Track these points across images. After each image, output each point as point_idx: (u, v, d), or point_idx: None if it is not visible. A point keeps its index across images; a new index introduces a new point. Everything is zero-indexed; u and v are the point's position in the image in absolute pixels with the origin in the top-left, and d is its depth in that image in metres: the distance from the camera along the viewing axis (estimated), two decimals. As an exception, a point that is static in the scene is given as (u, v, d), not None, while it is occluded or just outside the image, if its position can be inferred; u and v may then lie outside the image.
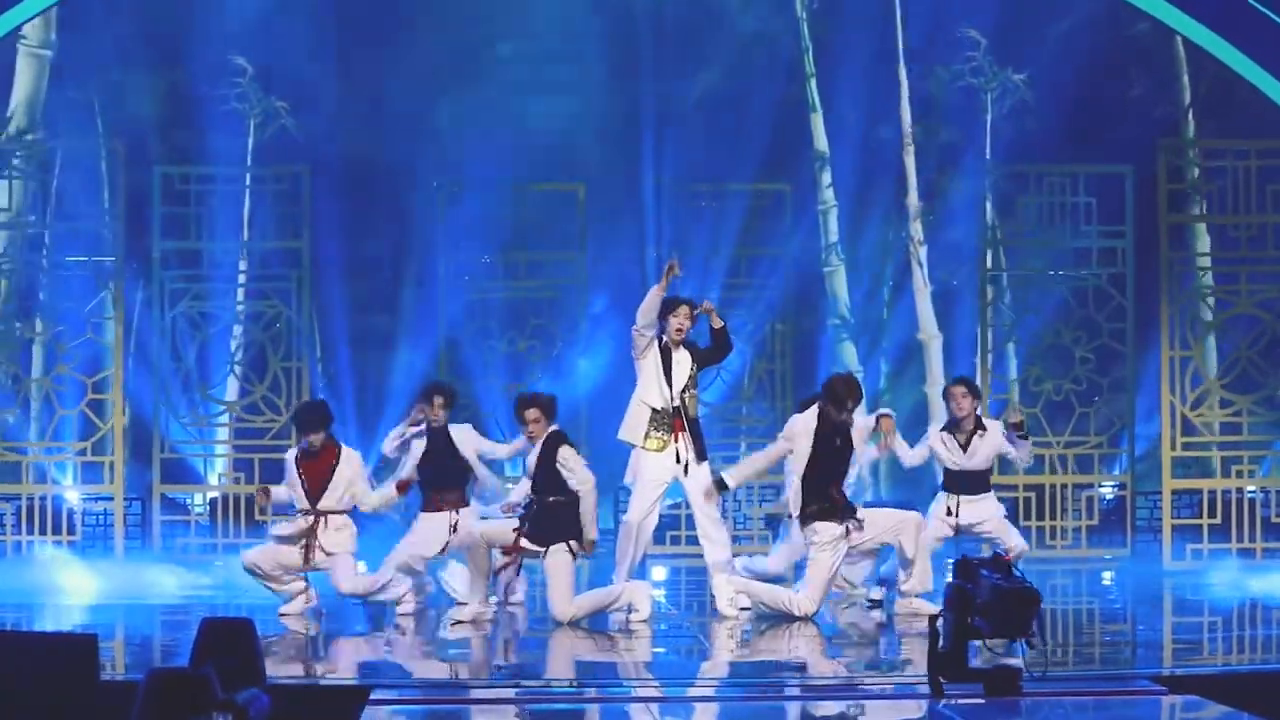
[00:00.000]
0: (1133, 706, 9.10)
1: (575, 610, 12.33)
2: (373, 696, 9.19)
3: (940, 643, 8.77)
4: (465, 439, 13.45)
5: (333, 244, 18.48)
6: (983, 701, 8.79)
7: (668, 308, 13.10)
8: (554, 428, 12.59)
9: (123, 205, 17.38)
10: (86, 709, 7.39)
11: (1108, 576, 16.61)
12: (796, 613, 12.39)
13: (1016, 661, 9.17)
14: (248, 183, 17.99)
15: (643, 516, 13.06)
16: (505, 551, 12.44)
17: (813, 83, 19.32)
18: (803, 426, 12.50)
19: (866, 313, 19.40)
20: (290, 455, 13.29)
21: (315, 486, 13.02)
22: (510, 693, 9.67)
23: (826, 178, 19.25)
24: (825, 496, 12.33)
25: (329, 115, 18.95)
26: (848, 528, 12.38)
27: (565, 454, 12.34)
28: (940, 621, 8.83)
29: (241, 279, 17.77)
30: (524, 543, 12.33)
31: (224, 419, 17.80)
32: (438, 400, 13.42)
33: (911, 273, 19.18)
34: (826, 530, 12.35)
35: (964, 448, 13.72)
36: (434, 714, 9.17)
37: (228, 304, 17.74)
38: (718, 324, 13.19)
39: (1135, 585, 15.87)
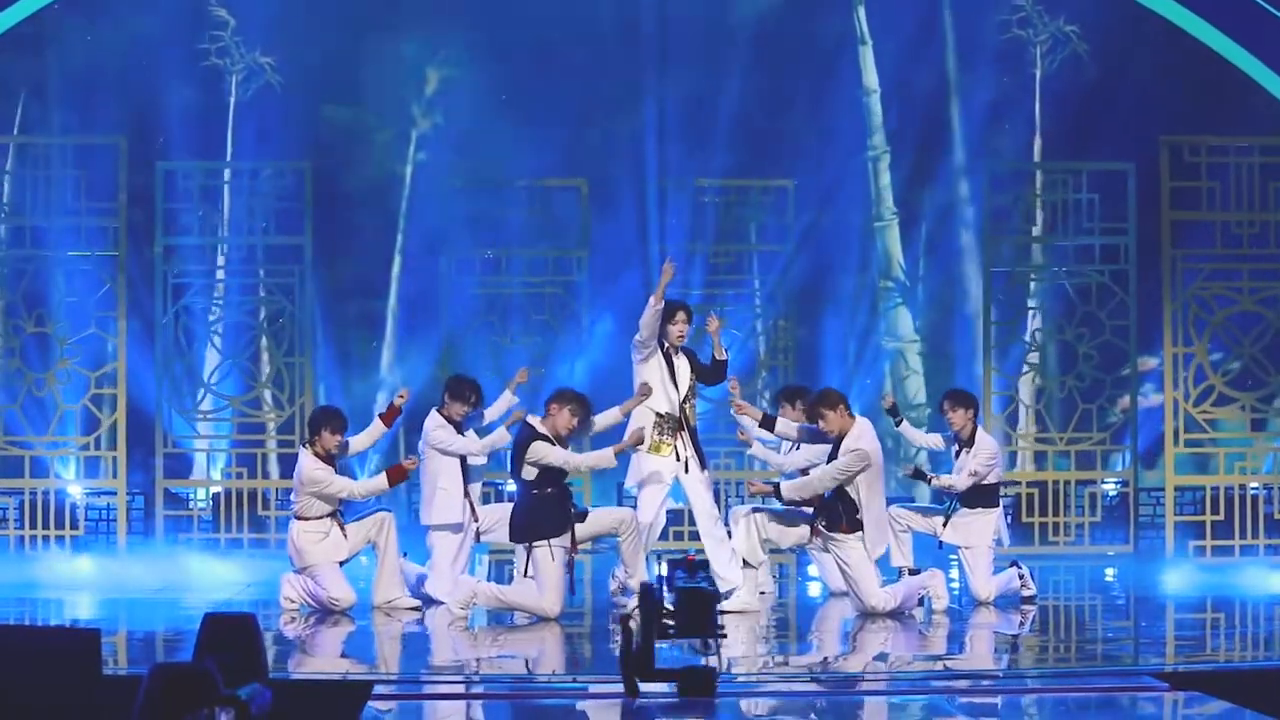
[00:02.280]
0: (1135, 703, 9.09)
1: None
2: (375, 691, 9.19)
3: (633, 642, 8.86)
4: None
5: (335, 239, 18.46)
6: (676, 701, 8.85)
7: (666, 315, 13.06)
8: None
9: (125, 200, 17.37)
10: (89, 703, 7.38)
11: (1110, 573, 16.60)
12: (880, 608, 12.50)
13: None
14: (249, 178, 17.94)
15: (651, 518, 13.07)
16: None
17: (861, 11, 18.74)
18: (873, 439, 12.57)
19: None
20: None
21: None
22: (511, 688, 9.66)
23: (877, 116, 18.57)
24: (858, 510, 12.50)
25: (320, 96, 18.83)
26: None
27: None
28: (633, 621, 8.90)
29: (243, 274, 17.75)
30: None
31: (226, 414, 17.79)
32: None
33: (959, 237, 18.63)
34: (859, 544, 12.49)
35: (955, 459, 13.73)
36: (435, 709, 9.17)
37: (230, 299, 17.73)
38: (721, 355, 13.19)
39: (1138, 582, 15.86)
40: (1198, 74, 18.35)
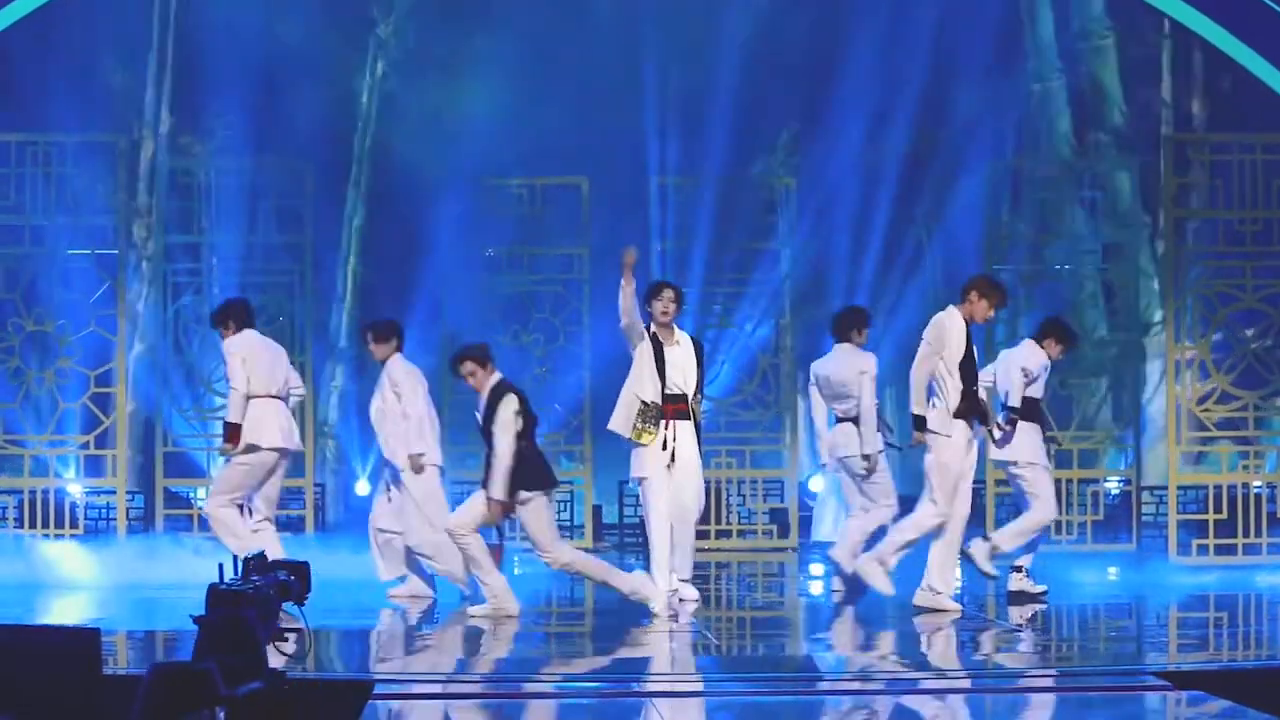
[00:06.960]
0: (1137, 702, 9.07)
1: (571, 558, 12.10)
2: (376, 691, 9.16)
3: None
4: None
5: (335, 238, 18.42)
6: None
7: (651, 293, 12.92)
8: (498, 376, 12.16)
9: (124, 198, 17.34)
10: (89, 703, 7.35)
11: (1113, 571, 16.58)
12: (930, 523, 12.28)
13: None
14: (250, 176, 17.90)
15: (661, 509, 12.91)
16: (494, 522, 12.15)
17: None
18: (952, 323, 12.30)
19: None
20: None
21: None
22: (511, 687, 9.64)
23: None
24: (973, 395, 12.24)
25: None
26: (991, 430, 12.47)
27: (503, 409, 11.93)
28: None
29: (242, 272, 17.72)
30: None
31: (224, 412, 17.74)
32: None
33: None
34: (961, 431, 12.23)
35: None
36: (437, 708, 9.14)
37: (230, 297, 17.69)
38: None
39: (1140, 580, 15.84)
40: (1201, 71, 18.33)
